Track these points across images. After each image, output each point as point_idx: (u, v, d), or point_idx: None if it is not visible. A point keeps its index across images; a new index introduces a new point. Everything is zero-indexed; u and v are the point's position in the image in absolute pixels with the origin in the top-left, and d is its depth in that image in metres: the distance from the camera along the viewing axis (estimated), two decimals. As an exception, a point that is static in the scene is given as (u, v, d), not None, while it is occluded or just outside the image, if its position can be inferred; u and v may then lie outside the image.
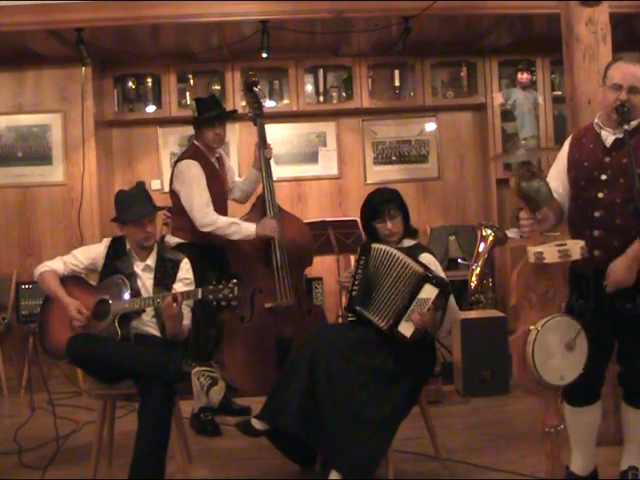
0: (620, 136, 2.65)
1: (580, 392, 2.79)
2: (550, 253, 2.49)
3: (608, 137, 2.70)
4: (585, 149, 2.75)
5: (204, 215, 3.89)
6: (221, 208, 4.08)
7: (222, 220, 3.93)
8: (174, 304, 3.09)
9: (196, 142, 4.09)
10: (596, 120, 2.78)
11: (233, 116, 4.35)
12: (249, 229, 3.96)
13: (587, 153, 2.74)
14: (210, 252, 3.99)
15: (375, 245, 3.15)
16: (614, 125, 2.67)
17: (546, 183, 2.59)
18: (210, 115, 4.00)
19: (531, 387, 2.59)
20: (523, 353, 2.53)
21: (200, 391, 2.98)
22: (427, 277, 2.96)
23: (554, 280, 2.58)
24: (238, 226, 3.95)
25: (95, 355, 3.06)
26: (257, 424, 3.00)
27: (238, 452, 3.55)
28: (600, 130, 2.74)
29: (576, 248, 2.52)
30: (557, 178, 2.82)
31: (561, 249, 2.50)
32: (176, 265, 3.37)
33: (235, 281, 3.09)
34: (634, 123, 2.62)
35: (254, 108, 4.25)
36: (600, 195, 2.65)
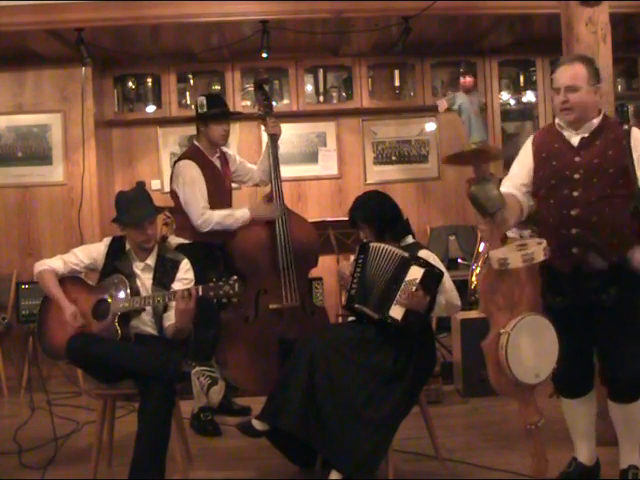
0: (585, 135, 2.71)
1: (573, 384, 2.86)
2: (514, 258, 2.50)
3: (572, 137, 2.74)
4: (551, 148, 2.78)
5: (199, 217, 3.91)
6: (223, 206, 4.09)
7: (216, 215, 3.94)
8: (189, 299, 3.07)
9: (196, 142, 4.10)
10: (557, 121, 2.81)
11: (238, 117, 4.35)
12: (244, 215, 3.98)
13: (554, 152, 2.77)
14: (212, 251, 4.00)
15: (374, 244, 3.16)
16: (574, 126, 2.73)
17: (497, 187, 2.60)
18: (221, 110, 4.03)
19: (508, 389, 2.62)
20: (496, 357, 2.55)
21: (200, 391, 2.98)
22: (412, 259, 3.00)
23: (518, 280, 2.58)
24: (232, 216, 3.97)
25: (95, 355, 3.06)
26: (258, 425, 3.01)
27: (238, 452, 3.55)
28: (562, 130, 2.78)
29: (539, 250, 2.53)
30: (519, 175, 2.85)
31: (524, 253, 2.51)
32: (175, 266, 3.36)
33: (236, 278, 3.09)
34: (595, 121, 2.71)
35: (264, 106, 4.25)
36: (575, 194, 2.68)
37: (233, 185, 4.31)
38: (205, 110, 4.05)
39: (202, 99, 4.10)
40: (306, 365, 2.92)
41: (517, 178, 2.85)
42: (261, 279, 4.05)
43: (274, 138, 4.23)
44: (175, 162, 4.11)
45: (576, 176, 2.67)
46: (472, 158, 2.75)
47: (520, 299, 2.59)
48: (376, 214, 3.24)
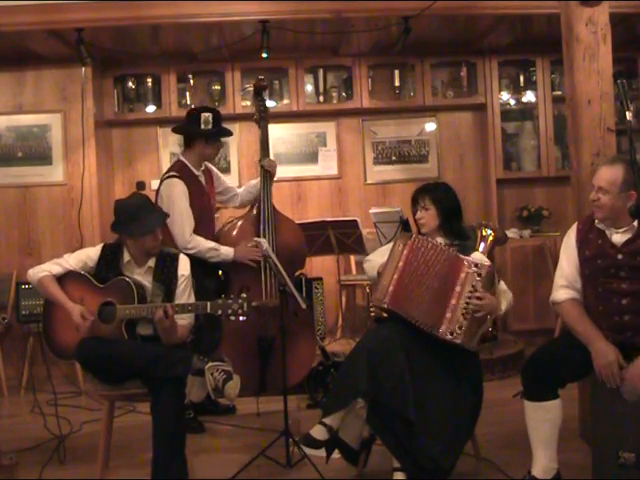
0: (629, 236, 2.77)
1: (538, 386, 2.84)
2: None
3: (613, 235, 2.81)
4: (593, 245, 2.85)
5: (185, 242, 3.90)
6: (207, 222, 4.10)
7: (202, 245, 3.94)
8: (166, 318, 3.06)
9: (182, 158, 4.08)
10: (597, 222, 2.86)
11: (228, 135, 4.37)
12: (228, 255, 3.98)
13: (597, 250, 2.83)
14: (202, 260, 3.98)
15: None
16: (613, 225, 2.80)
17: None
18: (227, 131, 4.07)
19: None
20: None
21: (214, 387, 2.96)
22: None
23: None
24: (217, 251, 3.97)
25: (106, 357, 3.05)
26: (317, 434, 2.87)
27: (238, 452, 3.55)
28: (604, 228, 2.84)
29: None
30: (571, 272, 2.92)
31: None
32: (175, 258, 3.35)
33: (245, 296, 3.08)
34: (635, 224, 2.76)
35: (260, 112, 4.26)
36: (623, 286, 2.76)
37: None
38: (210, 127, 4.01)
39: (208, 115, 4.02)
40: (366, 355, 2.83)
41: (571, 276, 2.92)
42: (244, 276, 4.04)
43: (268, 175, 4.19)
44: (161, 179, 4.06)
45: (622, 274, 2.77)
46: None
47: None
48: (449, 198, 3.19)
